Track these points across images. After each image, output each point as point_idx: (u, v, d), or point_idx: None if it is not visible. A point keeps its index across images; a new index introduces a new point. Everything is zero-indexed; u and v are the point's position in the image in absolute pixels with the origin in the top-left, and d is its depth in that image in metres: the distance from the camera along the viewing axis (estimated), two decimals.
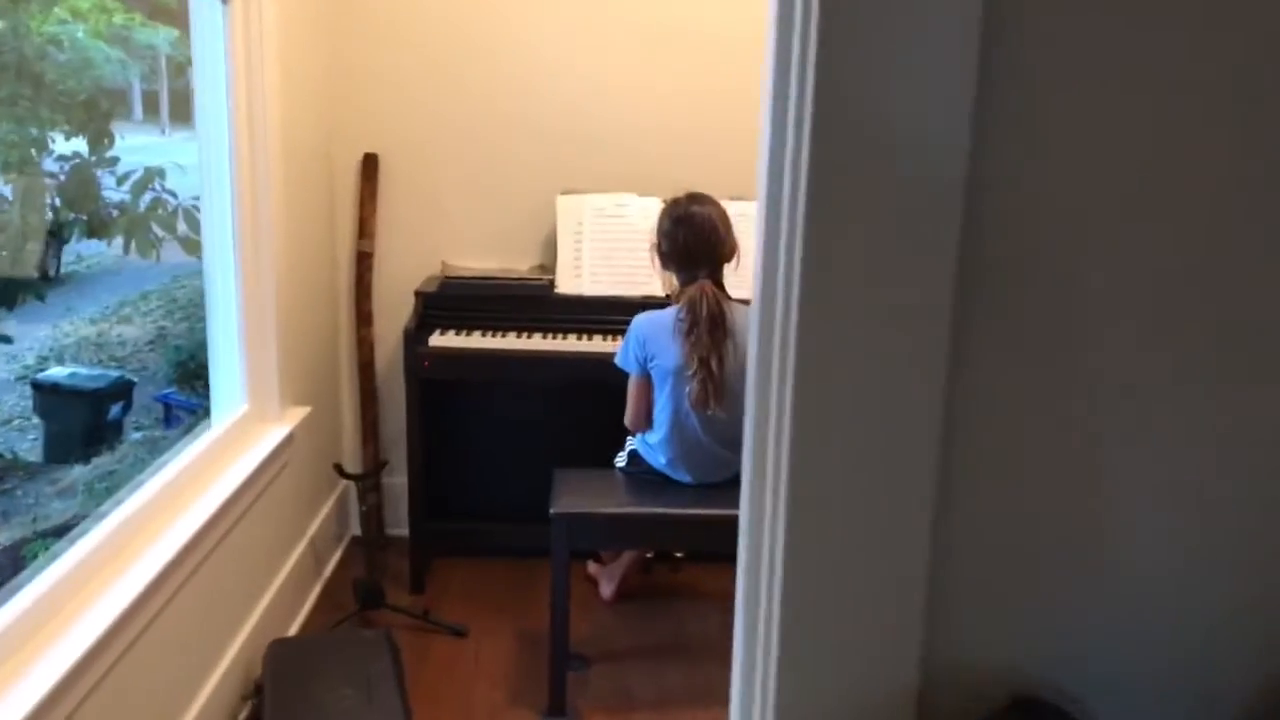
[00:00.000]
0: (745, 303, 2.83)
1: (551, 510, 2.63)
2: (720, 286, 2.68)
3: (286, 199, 2.95)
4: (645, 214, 3.41)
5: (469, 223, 3.61)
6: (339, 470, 3.25)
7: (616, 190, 3.48)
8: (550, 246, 3.60)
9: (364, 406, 3.66)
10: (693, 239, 2.66)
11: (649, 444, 2.78)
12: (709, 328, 2.59)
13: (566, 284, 3.38)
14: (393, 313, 3.66)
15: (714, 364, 2.59)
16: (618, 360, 2.77)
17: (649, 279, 3.37)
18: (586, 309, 3.37)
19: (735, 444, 2.88)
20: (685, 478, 2.75)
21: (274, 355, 2.88)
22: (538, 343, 3.26)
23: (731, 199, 3.38)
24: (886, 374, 1.09)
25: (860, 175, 1.04)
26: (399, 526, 3.69)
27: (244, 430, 2.79)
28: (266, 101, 2.74)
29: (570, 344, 3.26)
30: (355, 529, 3.79)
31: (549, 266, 3.55)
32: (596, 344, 3.26)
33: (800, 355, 1.09)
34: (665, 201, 3.38)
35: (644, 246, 3.35)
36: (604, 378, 3.23)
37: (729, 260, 2.71)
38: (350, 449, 3.76)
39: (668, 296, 3.32)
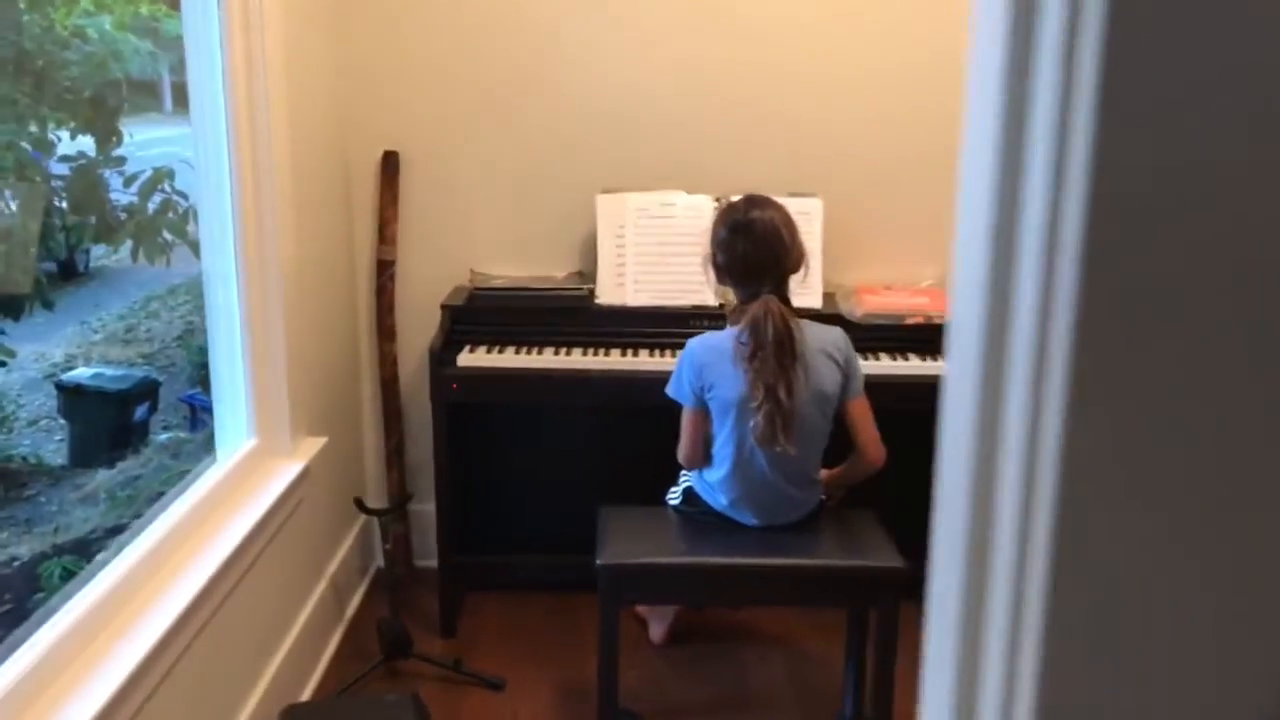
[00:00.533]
0: (816, 317, 2.56)
1: (598, 561, 2.30)
2: (786, 302, 2.34)
3: (296, 202, 2.63)
4: (695, 213, 3.08)
5: (500, 226, 3.28)
6: (360, 505, 2.94)
7: (661, 188, 3.14)
8: (589, 251, 3.27)
9: (387, 431, 3.35)
10: (754, 250, 2.33)
11: (708, 482, 2.44)
12: (776, 352, 2.25)
13: (608, 293, 3.05)
14: (418, 327, 3.34)
15: (782, 393, 2.25)
16: (669, 390, 2.44)
17: (700, 287, 3.03)
18: (631, 321, 3.04)
19: (806, 481, 2.48)
20: (750, 520, 2.41)
21: (284, 381, 2.56)
22: (577, 360, 2.93)
23: (790, 196, 3.06)
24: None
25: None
26: (428, 557, 3.38)
27: (252, 468, 2.48)
28: (269, 92, 2.42)
29: (614, 361, 2.93)
30: (380, 560, 3.49)
31: (588, 274, 3.22)
32: (643, 360, 2.93)
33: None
34: (718, 204, 3.06)
35: (694, 250, 3.02)
36: (651, 399, 2.88)
37: (795, 271, 2.37)
38: (373, 477, 3.45)
39: (720, 306, 2.99)
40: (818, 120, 3.21)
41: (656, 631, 2.98)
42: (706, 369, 2.32)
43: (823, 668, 2.93)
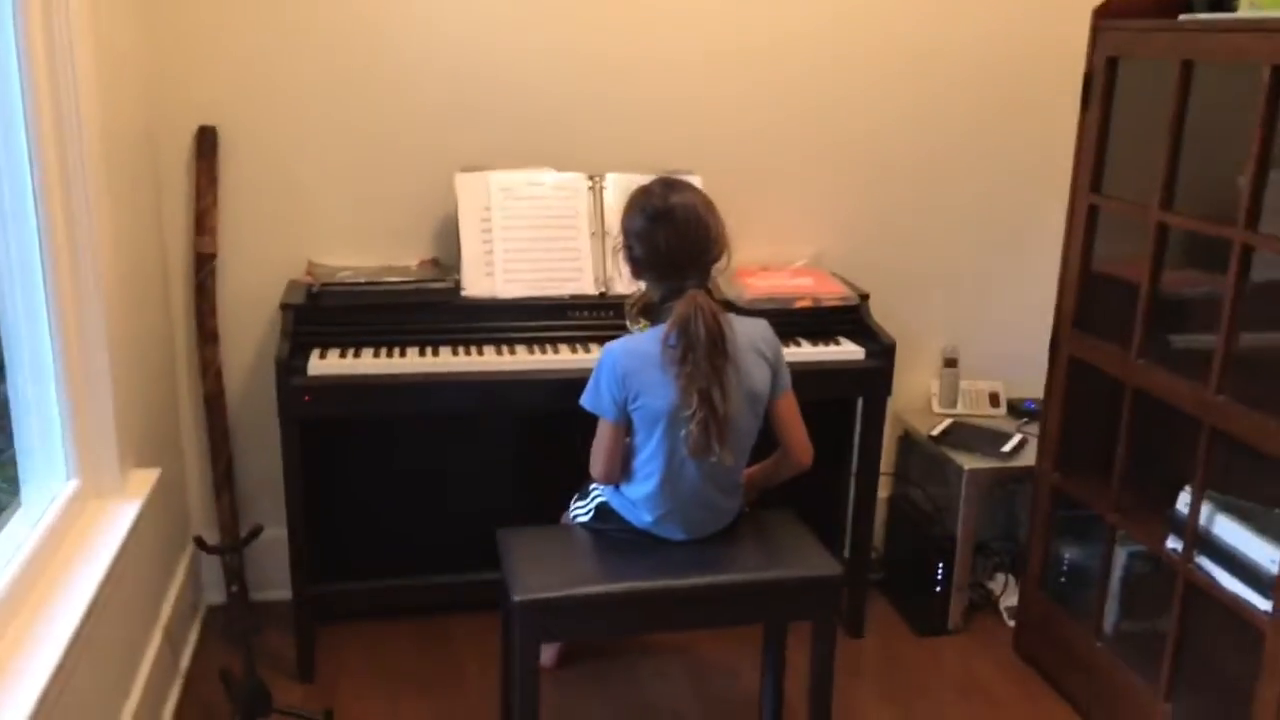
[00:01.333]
0: (738, 310, 2.34)
1: (514, 596, 2.01)
2: (710, 295, 2.11)
3: (111, 194, 2.18)
4: (567, 193, 2.81)
5: (339, 211, 2.89)
6: (201, 544, 2.52)
7: (526, 167, 2.84)
8: (444, 237, 2.94)
9: (214, 451, 2.90)
10: (676, 240, 2.09)
11: (628, 499, 2.20)
12: (709, 353, 2.02)
13: (476, 284, 2.73)
14: (245, 329, 2.91)
15: (717, 398, 2.03)
16: (586, 402, 2.17)
17: (576, 274, 2.78)
18: (503, 315, 2.74)
19: (734, 488, 2.22)
20: (677, 534, 2.19)
21: (109, 406, 2.13)
22: (446, 361, 2.60)
23: (666, 174, 2.84)
24: None
25: None
26: (266, 589, 2.98)
27: (75, 516, 2.04)
28: (74, 46, 1.96)
29: (488, 361, 2.62)
30: (210, 596, 3.05)
31: (446, 262, 2.89)
32: (520, 359, 2.64)
33: None
34: (593, 184, 2.81)
35: (568, 233, 2.78)
36: (531, 399, 2.63)
37: (719, 260, 2.15)
38: (200, 506, 3.00)
39: (601, 295, 2.75)
40: (690, 95, 2.99)
41: (546, 655, 2.72)
42: (631, 377, 2.07)
43: (729, 678, 2.76)
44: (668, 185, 2.14)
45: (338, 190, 2.87)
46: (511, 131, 2.90)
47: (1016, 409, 3.25)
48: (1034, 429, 3.11)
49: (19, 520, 1.98)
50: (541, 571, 2.09)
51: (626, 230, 2.14)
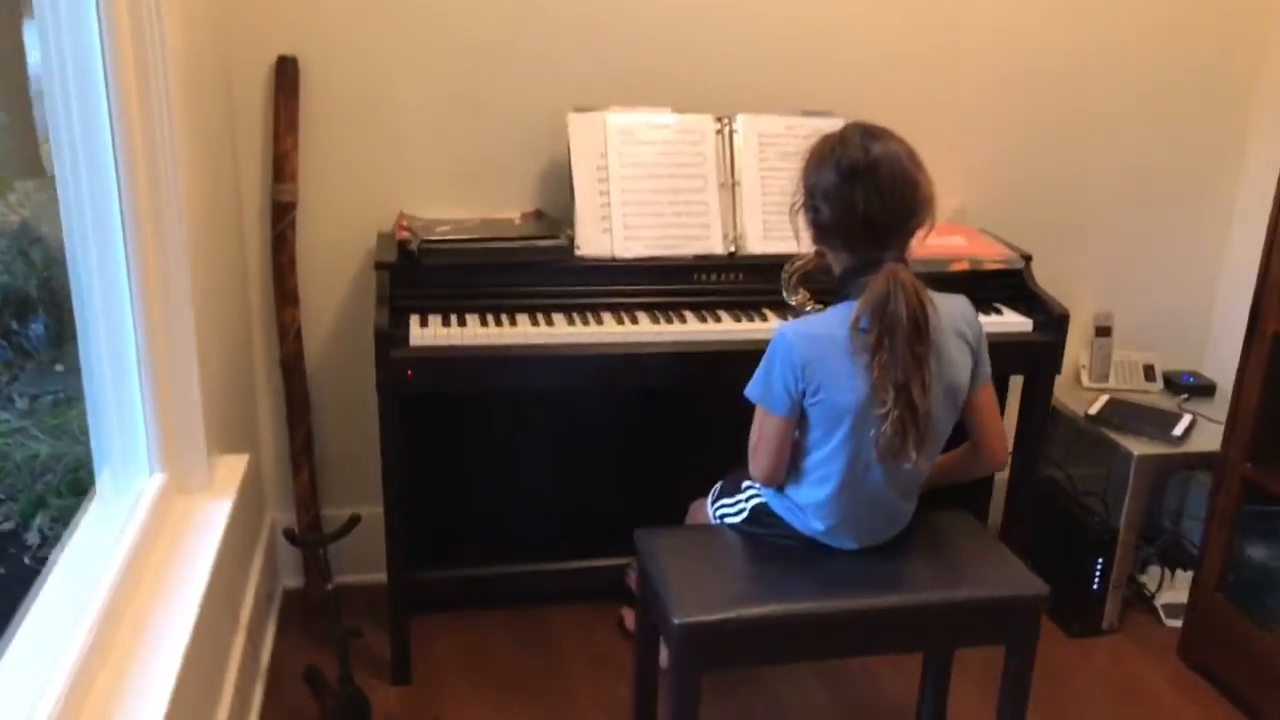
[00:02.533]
0: (937, 281, 1.75)
1: (675, 619, 1.71)
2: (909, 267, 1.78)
3: (190, 125, 1.86)
4: (694, 138, 2.47)
5: (433, 155, 2.56)
6: (292, 538, 2.23)
7: (643, 106, 2.49)
8: (547, 186, 2.61)
9: (292, 423, 2.61)
10: (878, 203, 1.73)
11: (796, 504, 1.88)
12: (909, 339, 1.70)
13: (591, 242, 2.40)
14: (326, 288, 2.61)
15: (916, 394, 1.70)
16: (753, 394, 1.84)
17: (703, 231, 2.45)
18: (621, 277, 2.42)
19: (915, 491, 1.86)
20: (848, 544, 1.88)
21: (195, 387, 1.82)
22: (562, 331, 2.29)
23: (804, 114, 2.52)
24: None
25: None
26: (343, 573, 2.69)
27: (165, 514, 1.75)
28: None
29: (608, 330, 2.30)
30: (286, 580, 2.79)
31: (552, 215, 2.56)
32: (644, 328, 2.32)
33: None
34: (721, 126, 2.46)
35: (694, 184, 2.43)
36: (654, 375, 2.32)
37: (924, 226, 1.80)
38: (275, 483, 2.72)
39: (730, 255, 2.42)
40: (826, 27, 2.63)
41: (664, 655, 2.43)
42: (811, 366, 1.74)
43: (870, 684, 2.48)
44: (867, 133, 1.77)
45: (432, 132, 2.53)
46: (625, 67, 2.56)
47: (1174, 384, 2.93)
48: (1199, 407, 2.80)
49: (98, 521, 1.69)
50: (700, 587, 1.79)
51: (812, 188, 1.79)
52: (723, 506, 2.04)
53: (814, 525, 1.87)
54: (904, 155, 1.74)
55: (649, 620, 1.99)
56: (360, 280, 2.58)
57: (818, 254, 1.95)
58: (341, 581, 2.39)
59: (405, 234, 2.36)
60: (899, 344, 1.69)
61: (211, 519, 1.77)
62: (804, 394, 1.76)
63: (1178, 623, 2.71)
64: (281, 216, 2.47)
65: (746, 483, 1.97)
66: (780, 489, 1.90)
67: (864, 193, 1.72)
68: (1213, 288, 3.03)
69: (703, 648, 1.73)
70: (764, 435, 1.84)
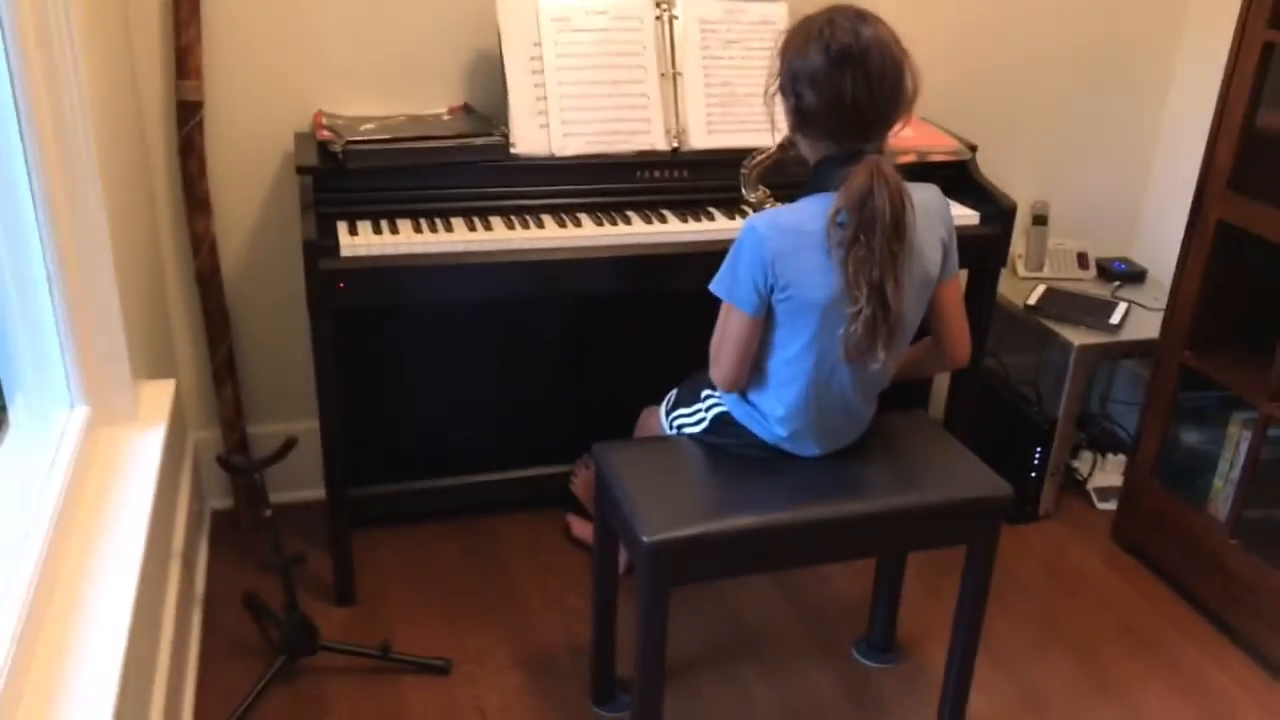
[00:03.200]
0: (909, 173, 1.65)
1: (643, 536, 1.66)
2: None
3: (88, 29, 1.67)
4: (632, 24, 2.33)
5: (351, 46, 2.37)
6: (226, 464, 2.10)
7: None
8: (476, 78, 2.46)
9: (212, 340, 2.45)
10: (866, 90, 1.63)
11: (759, 409, 1.83)
12: (888, 234, 1.63)
13: (527, 140, 2.27)
14: (240, 194, 2.43)
15: (890, 291, 1.64)
16: (718, 288, 1.76)
17: (645, 126, 2.33)
18: (560, 176, 2.30)
19: (876, 393, 1.84)
20: (811, 450, 1.85)
21: (116, 310, 1.67)
22: (503, 236, 2.17)
23: None
24: None
25: None
26: (277, 490, 2.58)
27: (91, 450, 1.62)
28: None
29: (549, 235, 2.19)
30: (213, 501, 2.67)
31: (481, 110, 2.41)
32: (587, 231, 2.22)
33: None
34: (661, 10, 2.33)
35: (634, 74, 2.31)
36: (599, 281, 2.23)
37: (904, 118, 1.72)
38: (197, 402, 2.57)
39: (674, 151, 2.32)
40: None
41: (622, 560, 2.38)
42: (782, 260, 1.67)
43: (821, 584, 2.49)
44: (858, 15, 1.66)
45: (349, 20, 2.34)
46: None
47: (1106, 271, 2.95)
48: (1130, 294, 2.83)
49: (16, 455, 1.55)
50: (665, 503, 1.74)
51: (795, 72, 1.68)
52: (680, 416, 1.98)
53: (777, 431, 1.82)
54: (893, 42, 1.65)
55: (607, 529, 1.94)
56: (277, 185, 2.41)
57: (779, 148, 1.87)
58: (276, 500, 2.28)
59: (327, 134, 2.20)
60: (877, 240, 1.62)
61: (143, 454, 1.65)
62: (772, 290, 1.69)
63: (1109, 505, 2.78)
64: (187, 118, 2.27)
65: (706, 391, 1.91)
66: (743, 394, 1.84)
67: (853, 79, 1.62)
68: (1145, 174, 3.03)
69: (672, 564, 1.68)
70: (728, 335, 1.76)
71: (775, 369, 1.78)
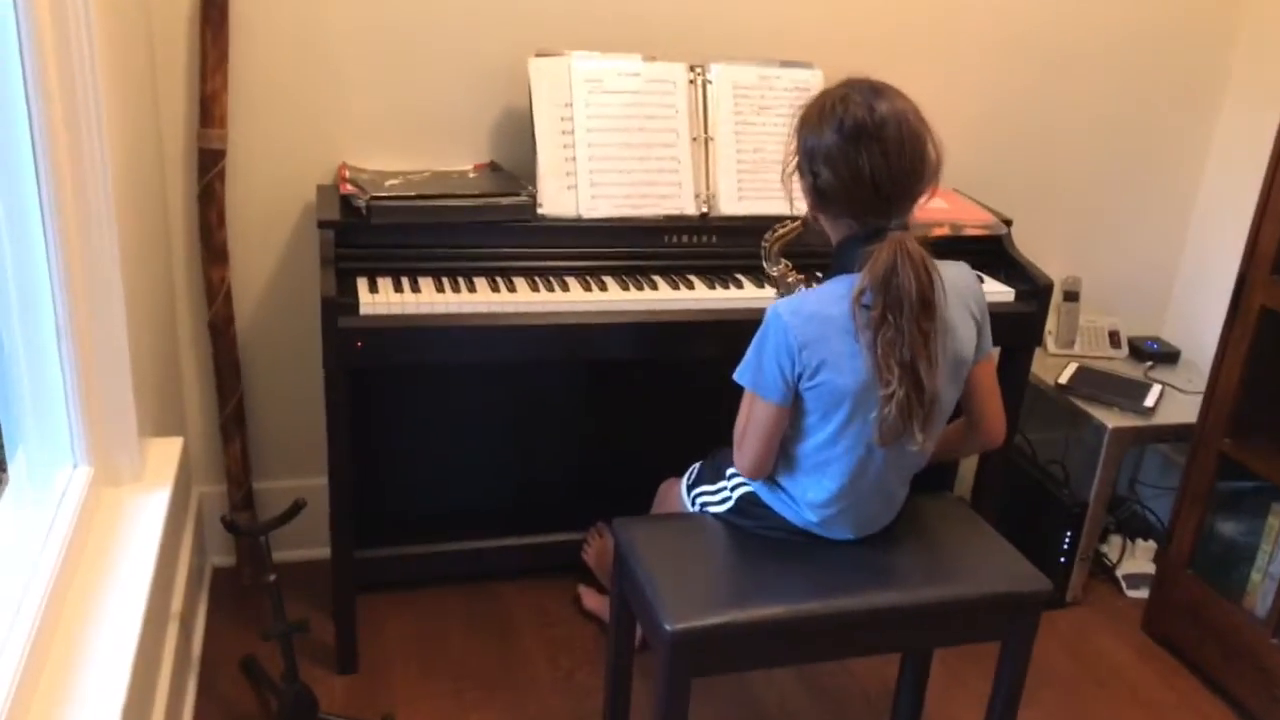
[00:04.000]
0: (938, 247, 1.57)
1: (665, 625, 1.58)
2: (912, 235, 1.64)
3: (110, 70, 1.62)
4: (665, 88, 2.29)
5: (378, 99, 2.33)
6: (230, 526, 2.03)
7: (609, 51, 2.30)
8: (503, 136, 2.42)
9: (222, 392, 2.39)
10: (885, 167, 1.57)
11: (790, 494, 1.76)
12: (916, 314, 1.57)
13: (555, 201, 2.22)
14: (258, 245, 2.38)
15: (922, 372, 1.58)
16: (742, 378, 1.68)
17: (675, 190, 2.28)
18: (586, 238, 2.25)
19: (911, 477, 1.74)
20: (844, 534, 1.77)
21: (125, 367, 1.61)
22: (526, 298, 2.11)
23: (782, 66, 2.37)
24: None
25: None
26: (280, 549, 2.50)
27: (93, 512, 1.55)
28: None
29: (574, 298, 2.14)
30: (214, 557, 2.59)
31: (508, 168, 2.37)
32: (613, 295, 2.16)
33: None
34: (695, 75, 2.29)
35: (665, 138, 2.26)
36: (622, 346, 2.16)
37: (929, 191, 1.66)
38: (203, 456, 2.50)
39: (703, 216, 2.27)
40: None
41: (638, 635, 2.29)
42: (810, 348, 1.60)
43: (841, 672, 2.39)
44: (872, 89, 1.60)
45: (377, 73, 2.31)
46: (589, 7, 2.35)
47: (1138, 350, 2.88)
48: (1163, 375, 2.76)
49: (13, 514, 1.48)
50: (689, 588, 1.66)
51: (810, 150, 1.62)
52: (704, 494, 1.90)
53: (808, 517, 1.75)
54: (911, 114, 1.59)
55: (625, 609, 1.86)
56: (297, 237, 2.36)
57: (801, 221, 1.81)
58: (279, 558, 2.21)
59: (350, 188, 2.15)
60: (905, 320, 1.56)
61: (146, 518, 1.58)
62: (800, 378, 1.62)
63: (1139, 593, 2.69)
64: (209, 166, 2.23)
65: (731, 470, 1.84)
66: (772, 478, 1.76)
67: (869, 156, 1.56)
68: (1178, 252, 2.98)
69: (695, 655, 1.60)
70: (753, 423, 1.69)
71: (806, 454, 1.70)
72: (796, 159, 1.67)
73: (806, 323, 1.61)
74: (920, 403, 1.59)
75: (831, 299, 1.62)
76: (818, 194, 1.65)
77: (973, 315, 1.70)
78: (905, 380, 1.58)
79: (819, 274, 2.06)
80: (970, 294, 1.71)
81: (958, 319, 1.67)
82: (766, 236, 1.89)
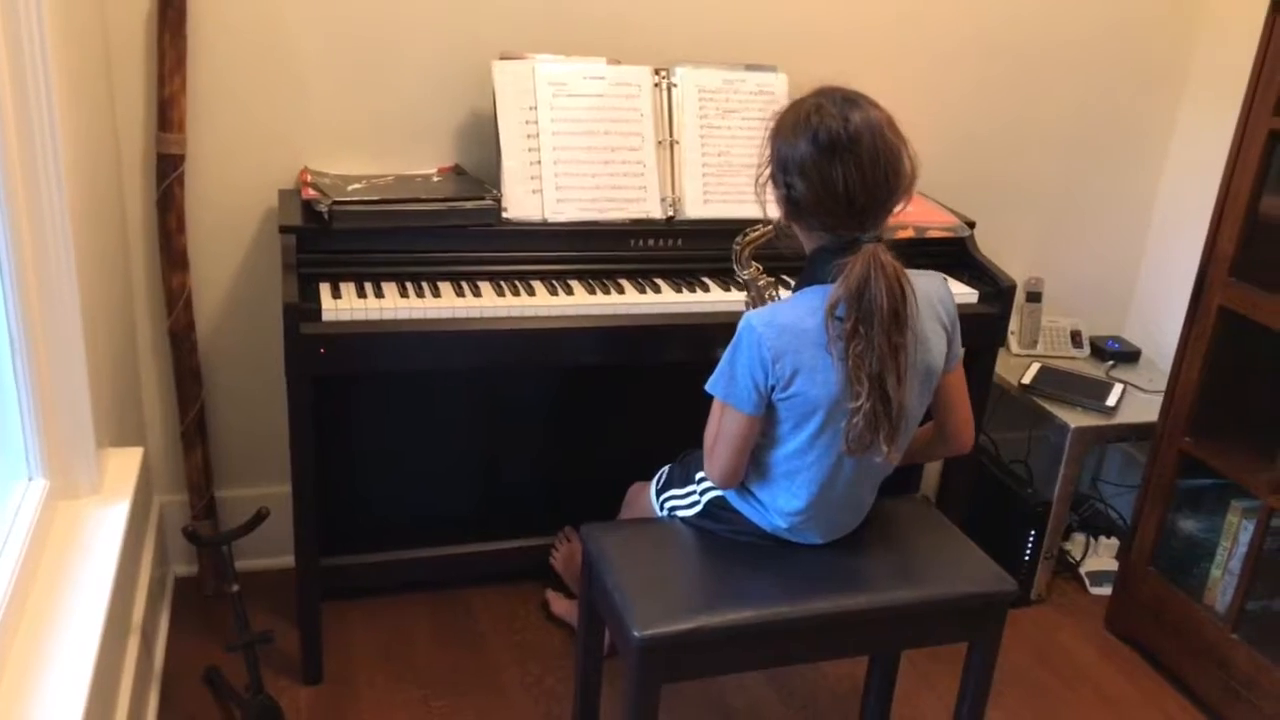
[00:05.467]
0: (901, 249, 1.53)
1: (635, 631, 1.58)
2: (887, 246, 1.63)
3: (66, 77, 1.59)
4: (631, 91, 2.28)
5: (339, 101, 2.31)
6: (192, 537, 2.00)
7: (573, 54, 2.29)
8: (467, 139, 2.40)
9: (182, 400, 2.36)
10: (860, 179, 1.55)
11: (760, 500, 1.76)
12: (887, 328, 1.56)
13: (520, 205, 2.21)
14: (218, 251, 2.34)
15: (890, 384, 1.58)
16: (715, 389, 1.66)
17: (640, 194, 2.28)
18: (553, 242, 2.23)
19: (879, 483, 1.75)
20: (812, 539, 1.77)
21: (84, 384, 1.58)
22: (492, 303, 2.10)
23: (746, 69, 2.37)
24: None
25: None
26: (241, 557, 2.47)
27: (48, 528, 1.52)
28: None
29: (541, 302, 2.12)
30: (176, 566, 2.55)
31: (472, 171, 2.35)
32: (580, 300, 2.15)
33: None
34: (659, 79, 2.28)
35: (630, 142, 2.26)
36: (589, 351, 2.15)
37: (904, 201, 1.66)
38: (163, 464, 2.46)
39: (669, 220, 2.27)
40: None
41: (607, 639, 2.27)
42: (783, 359, 1.59)
43: (812, 670, 2.39)
44: (846, 100, 1.59)
45: (339, 76, 2.28)
46: (552, 9, 2.34)
47: (1100, 350, 2.91)
48: (1124, 374, 2.79)
49: None
50: (658, 593, 1.65)
51: (784, 160, 1.61)
52: (672, 498, 1.90)
53: (777, 522, 1.75)
54: (885, 125, 1.58)
55: (594, 616, 1.85)
56: (258, 242, 2.33)
57: (772, 226, 1.80)
58: (242, 567, 2.18)
59: (312, 193, 2.12)
60: (876, 332, 1.56)
61: (104, 531, 1.55)
62: (773, 389, 1.61)
63: (1103, 590, 2.72)
64: (168, 171, 2.19)
65: (700, 474, 1.83)
66: (742, 484, 1.76)
67: (844, 169, 1.55)
68: (1138, 253, 3.01)
69: (663, 660, 1.60)
70: (724, 433, 1.68)
71: (778, 462, 1.70)
72: (769, 168, 1.65)
73: (780, 334, 1.60)
74: (887, 415, 1.59)
75: (806, 311, 1.61)
76: (791, 205, 1.63)
77: (944, 325, 1.70)
78: (873, 393, 1.57)
79: (785, 277, 2.06)
80: (942, 305, 1.71)
81: (929, 330, 1.67)
82: (737, 241, 1.87)
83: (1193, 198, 2.80)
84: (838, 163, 1.55)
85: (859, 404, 1.57)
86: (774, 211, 1.69)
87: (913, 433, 1.73)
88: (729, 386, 1.64)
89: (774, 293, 1.87)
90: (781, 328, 1.60)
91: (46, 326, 1.51)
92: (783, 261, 1.93)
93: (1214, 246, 2.27)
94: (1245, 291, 2.21)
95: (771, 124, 1.66)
